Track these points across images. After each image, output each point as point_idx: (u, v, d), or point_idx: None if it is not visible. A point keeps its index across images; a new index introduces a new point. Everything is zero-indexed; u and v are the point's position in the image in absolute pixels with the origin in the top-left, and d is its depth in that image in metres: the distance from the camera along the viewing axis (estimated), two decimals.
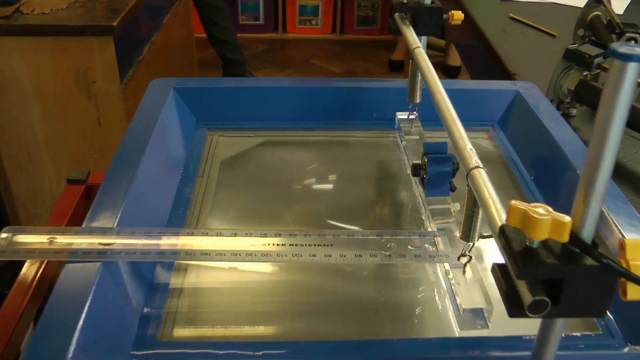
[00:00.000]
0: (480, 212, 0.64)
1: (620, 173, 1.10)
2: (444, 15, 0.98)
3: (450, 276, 0.71)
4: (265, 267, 0.78)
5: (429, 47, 4.26)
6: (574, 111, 1.30)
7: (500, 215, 0.54)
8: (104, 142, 1.99)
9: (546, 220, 0.44)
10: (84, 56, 1.88)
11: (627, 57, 0.39)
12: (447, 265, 0.72)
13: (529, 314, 0.46)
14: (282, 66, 4.16)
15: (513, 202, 0.46)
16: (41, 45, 1.85)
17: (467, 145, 0.64)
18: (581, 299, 0.47)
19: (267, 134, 1.07)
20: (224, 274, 0.78)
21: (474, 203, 0.62)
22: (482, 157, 1.05)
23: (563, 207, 0.88)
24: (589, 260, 0.46)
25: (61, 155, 2.02)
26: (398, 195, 0.93)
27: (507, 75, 1.52)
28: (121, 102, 1.96)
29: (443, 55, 4.10)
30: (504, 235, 0.48)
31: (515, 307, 0.47)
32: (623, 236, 0.74)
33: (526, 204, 0.46)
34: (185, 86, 1.06)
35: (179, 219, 0.86)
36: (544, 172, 0.96)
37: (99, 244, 0.69)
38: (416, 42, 0.90)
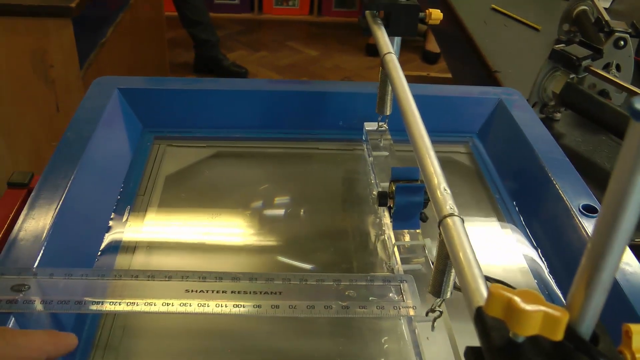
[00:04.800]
0: None
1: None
2: (421, 14, 0.88)
3: (417, 332, 0.61)
4: None
5: None
6: (558, 115, 1.22)
7: (477, 285, 0.44)
8: (62, 130, 1.88)
9: (536, 314, 0.35)
10: (40, 38, 1.78)
11: None
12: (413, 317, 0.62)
13: None
14: (257, 48, 4.04)
15: (494, 287, 0.36)
16: None
17: (442, 185, 0.54)
18: None
19: (220, 144, 0.96)
20: (158, 319, 0.67)
21: (446, 256, 0.52)
22: (457, 173, 0.99)
23: (542, 229, 0.81)
24: None
25: (17, 142, 1.92)
26: (363, 223, 0.83)
27: (487, 70, 1.43)
28: (81, 87, 1.86)
29: (422, 40, 3.99)
30: (481, 324, 0.38)
31: None
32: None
33: (511, 289, 0.36)
34: (132, 87, 0.95)
35: (112, 251, 0.75)
36: (524, 191, 0.87)
37: (11, 288, 0.59)
38: (388, 47, 0.79)
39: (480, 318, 0.39)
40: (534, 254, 0.79)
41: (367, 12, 0.89)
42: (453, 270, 0.54)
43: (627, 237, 0.33)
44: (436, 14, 0.87)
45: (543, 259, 0.78)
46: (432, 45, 3.81)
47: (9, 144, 1.92)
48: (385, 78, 0.85)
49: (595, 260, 0.34)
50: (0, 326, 0.55)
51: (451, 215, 0.51)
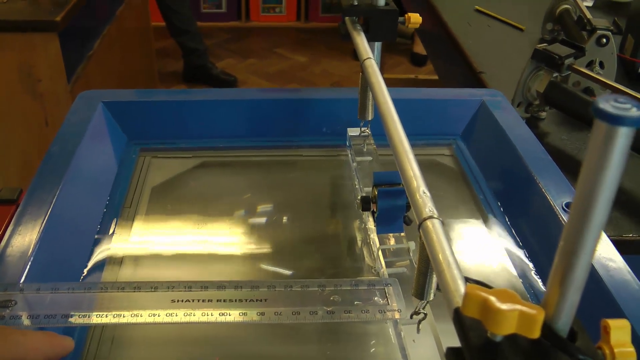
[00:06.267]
0: None
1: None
2: (400, 19, 0.89)
3: (403, 335, 0.61)
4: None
5: None
6: (543, 114, 1.22)
7: (456, 287, 0.44)
8: None
9: (512, 314, 0.35)
10: (27, 53, 1.78)
11: (617, 120, 0.29)
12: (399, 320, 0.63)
13: None
14: (245, 55, 4.05)
15: (470, 287, 0.37)
16: None
17: (421, 188, 0.54)
18: None
19: (205, 154, 0.96)
20: (146, 329, 0.68)
21: (427, 258, 0.53)
22: (442, 175, 0.99)
23: (527, 229, 0.81)
24: (563, 358, 0.37)
25: (6, 157, 1.92)
26: (349, 228, 0.84)
27: (472, 72, 1.44)
28: (69, 101, 1.86)
29: (410, 42, 4.00)
30: (459, 324, 0.39)
31: None
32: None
33: (487, 289, 0.37)
34: (116, 100, 0.95)
35: (99, 264, 0.76)
36: (509, 191, 0.88)
37: None
38: (367, 53, 0.80)
39: (458, 319, 0.39)
40: (520, 254, 0.80)
41: (346, 18, 0.90)
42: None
43: (598, 233, 0.34)
44: (415, 18, 0.87)
45: (529, 258, 0.79)
46: (420, 48, 3.82)
47: None
48: (366, 84, 0.85)
49: (568, 258, 0.35)
50: None
51: (430, 217, 0.51)
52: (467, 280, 0.46)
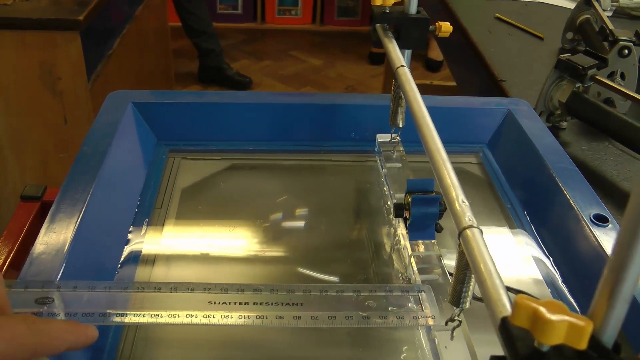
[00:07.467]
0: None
1: (616, 195, 1.03)
2: (430, 27, 0.90)
3: (437, 341, 0.62)
4: None
5: None
6: (564, 124, 1.23)
7: (499, 296, 0.45)
8: (70, 141, 1.91)
9: (561, 324, 0.36)
10: (48, 51, 1.80)
11: None
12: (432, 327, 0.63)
13: None
14: (260, 57, 4.07)
15: (520, 297, 0.38)
16: (2, 38, 1.75)
17: (460, 197, 0.55)
18: None
19: (235, 157, 0.97)
20: (179, 330, 0.69)
21: (465, 266, 0.54)
22: (469, 183, 1.00)
23: (553, 238, 0.82)
24: None
25: (25, 153, 1.94)
26: (378, 234, 0.84)
27: (492, 79, 1.44)
28: (88, 99, 1.88)
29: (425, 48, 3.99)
30: (507, 333, 0.40)
31: None
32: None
33: (536, 300, 0.38)
34: (146, 100, 0.96)
35: (132, 263, 0.77)
36: (535, 200, 0.89)
37: (35, 301, 0.60)
38: (400, 60, 0.81)
39: (506, 328, 0.40)
40: (546, 262, 0.80)
41: (377, 25, 0.91)
42: (472, 281, 0.55)
43: None
44: (446, 27, 0.88)
45: (555, 267, 0.79)
46: (435, 53, 3.82)
47: (17, 155, 1.94)
48: (398, 91, 0.86)
49: (617, 272, 0.36)
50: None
51: (470, 227, 0.52)
52: (509, 290, 0.47)
